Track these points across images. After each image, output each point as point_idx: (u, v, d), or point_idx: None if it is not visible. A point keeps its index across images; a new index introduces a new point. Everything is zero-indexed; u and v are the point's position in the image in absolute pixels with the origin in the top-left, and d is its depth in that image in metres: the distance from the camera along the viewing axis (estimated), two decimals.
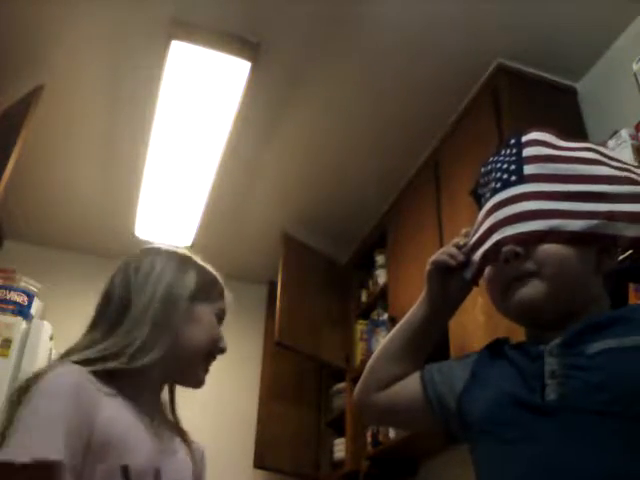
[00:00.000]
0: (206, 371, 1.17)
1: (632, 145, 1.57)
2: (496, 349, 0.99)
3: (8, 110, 2.26)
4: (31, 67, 2.28)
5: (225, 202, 2.98)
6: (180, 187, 2.81)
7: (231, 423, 3.27)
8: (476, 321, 1.88)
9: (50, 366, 1.01)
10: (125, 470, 0.94)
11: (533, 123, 2.06)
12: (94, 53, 2.25)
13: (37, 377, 0.96)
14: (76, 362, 1.01)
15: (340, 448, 2.94)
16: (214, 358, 1.18)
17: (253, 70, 2.20)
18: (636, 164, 1.01)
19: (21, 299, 2.41)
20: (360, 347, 2.97)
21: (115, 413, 0.99)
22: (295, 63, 2.26)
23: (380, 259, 2.97)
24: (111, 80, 2.36)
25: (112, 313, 1.10)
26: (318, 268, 3.17)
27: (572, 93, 2.22)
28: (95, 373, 1.00)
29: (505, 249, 0.91)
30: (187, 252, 1.23)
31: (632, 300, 1.43)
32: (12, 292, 2.40)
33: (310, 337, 2.95)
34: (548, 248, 0.90)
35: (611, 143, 1.62)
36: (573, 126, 2.11)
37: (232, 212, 3.08)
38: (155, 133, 2.49)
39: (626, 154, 1.57)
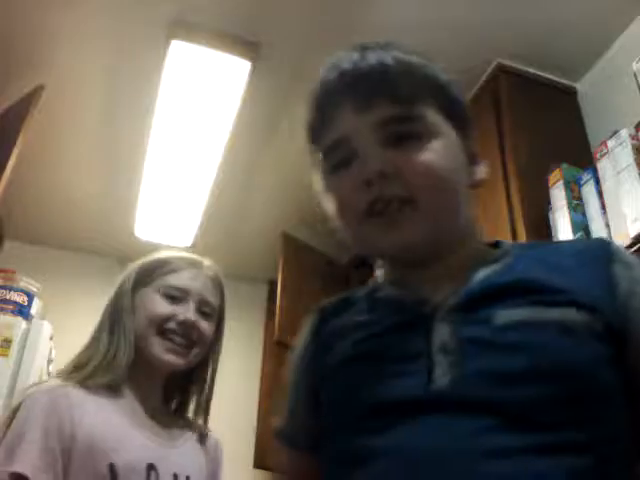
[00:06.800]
0: (168, 349, 1.13)
1: (632, 145, 1.57)
2: (339, 312, 0.76)
3: (8, 110, 2.26)
4: (31, 67, 2.28)
5: (225, 202, 2.97)
6: (180, 187, 2.81)
7: (231, 423, 3.27)
8: None
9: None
10: (111, 468, 0.97)
11: (533, 123, 2.08)
12: (94, 53, 2.25)
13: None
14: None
15: None
16: (177, 334, 1.14)
17: (253, 70, 2.20)
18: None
19: (21, 299, 2.41)
20: None
21: (96, 418, 1.02)
22: (295, 63, 2.25)
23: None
24: (111, 80, 2.36)
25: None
26: (318, 268, 3.17)
27: (572, 93, 2.21)
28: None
29: (370, 167, 0.66)
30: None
31: None
32: (12, 292, 2.40)
33: None
34: (421, 161, 0.66)
35: (611, 143, 1.62)
36: (573, 126, 2.11)
37: (232, 212, 3.08)
38: (155, 133, 2.48)
39: (626, 154, 1.57)
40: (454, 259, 0.70)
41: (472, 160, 0.74)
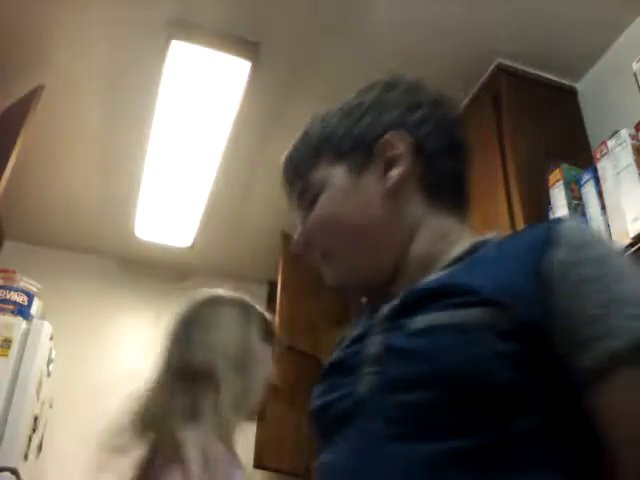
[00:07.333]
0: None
1: (632, 145, 1.57)
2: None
3: (8, 110, 2.26)
4: (31, 67, 2.28)
5: (225, 202, 2.97)
6: (180, 187, 2.81)
7: None
8: None
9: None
10: None
11: (533, 123, 2.08)
12: (94, 53, 2.25)
13: None
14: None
15: None
16: None
17: (253, 70, 2.20)
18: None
19: (21, 299, 2.41)
20: None
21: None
22: (295, 63, 2.26)
23: None
24: (111, 80, 2.36)
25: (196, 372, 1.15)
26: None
27: (572, 93, 2.21)
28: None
29: (294, 243, 0.82)
30: (246, 298, 1.27)
31: None
32: (12, 292, 2.40)
33: (310, 337, 2.94)
34: (310, 223, 0.77)
35: (611, 143, 1.62)
36: (573, 126, 2.11)
37: (232, 212, 3.08)
38: (155, 133, 2.48)
39: (626, 154, 1.57)
40: (405, 272, 0.72)
41: (388, 168, 0.74)
